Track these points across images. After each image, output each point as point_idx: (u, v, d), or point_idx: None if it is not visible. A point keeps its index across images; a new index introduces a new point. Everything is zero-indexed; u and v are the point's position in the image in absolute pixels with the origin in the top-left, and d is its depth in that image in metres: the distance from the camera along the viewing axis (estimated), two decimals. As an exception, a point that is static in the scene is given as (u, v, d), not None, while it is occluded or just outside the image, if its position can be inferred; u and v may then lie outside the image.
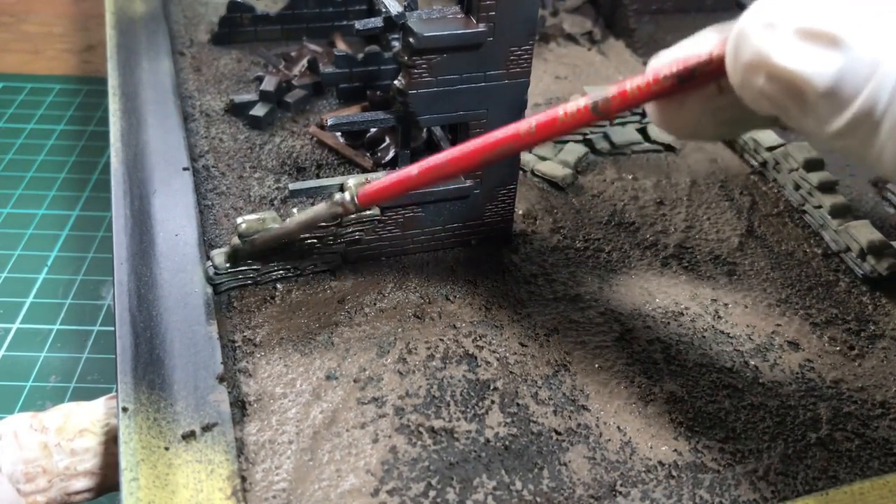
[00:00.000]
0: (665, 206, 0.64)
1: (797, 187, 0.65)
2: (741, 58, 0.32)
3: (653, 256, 0.59)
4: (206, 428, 0.44)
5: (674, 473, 0.44)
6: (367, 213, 0.54)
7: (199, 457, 0.42)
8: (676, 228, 0.62)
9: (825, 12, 0.30)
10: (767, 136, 0.69)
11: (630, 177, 0.67)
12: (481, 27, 0.50)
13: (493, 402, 0.48)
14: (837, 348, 0.53)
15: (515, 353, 0.51)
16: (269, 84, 0.71)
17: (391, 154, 0.65)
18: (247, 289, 0.54)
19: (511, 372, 0.49)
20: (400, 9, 0.52)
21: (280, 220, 0.52)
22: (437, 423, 0.46)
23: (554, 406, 0.48)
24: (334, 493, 0.42)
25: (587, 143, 0.70)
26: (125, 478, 0.41)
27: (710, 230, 0.62)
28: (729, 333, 0.53)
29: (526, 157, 0.67)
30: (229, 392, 0.46)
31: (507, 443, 0.45)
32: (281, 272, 0.54)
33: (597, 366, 0.50)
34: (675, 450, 0.46)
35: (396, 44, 0.74)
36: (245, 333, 0.51)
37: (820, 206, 0.62)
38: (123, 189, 0.59)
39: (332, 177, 0.63)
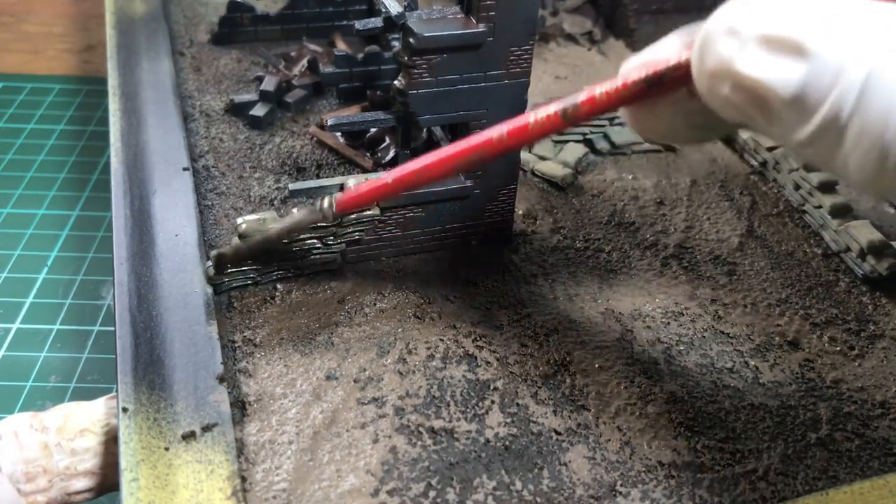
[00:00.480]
0: (665, 206, 0.64)
1: (797, 187, 0.65)
2: (705, 65, 0.31)
3: (653, 256, 0.59)
4: (206, 428, 0.44)
5: (673, 473, 0.44)
6: (368, 213, 0.54)
7: (199, 457, 0.42)
8: (676, 228, 0.62)
9: (788, 18, 0.29)
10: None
11: (630, 177, 0.67)
12: (481, 27, 0.50)
13: (493, 402, 0.48)
14: (837, 348, 0.53)
15: (515, 353, 0.51)
16: (269, 84, 0.71)
17: (391, 154, 0.65)
18: (247, 289, 0.54)
19: (511, 372, 0.49)
20: (400, 9, 0.52)
21: (280, 221, 0.52)
22: (437, 424, 0.46)
23: (554, 406, 0.48)
24: (334, 494, 0.42)
25: (587, 142, 0.70)
26: (125, 478, 0.41)
27: (710, 230, 0.62)
28: (729, 333, 0.53)
29: (526, 157, 0.67)
30: (229, 392, 0.46)
31: (507, 443, 0.45)
32: (281, 272, 0.54)
33: (597, 366, 0.50)
34: (675, 450, 0.46)
35: (396, 44, 0.74)
36: (245, 334, 0.51)
37: (820, 206, 0.62)
38: (123, 189, 0.59)
39: (332, 177, 0.64)
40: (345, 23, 0.81)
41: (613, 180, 0.67)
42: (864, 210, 0.65)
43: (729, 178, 0.68)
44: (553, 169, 0.66)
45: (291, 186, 0.54)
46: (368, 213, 0.54)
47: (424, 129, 0.65)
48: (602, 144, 0.70)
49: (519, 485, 0.43)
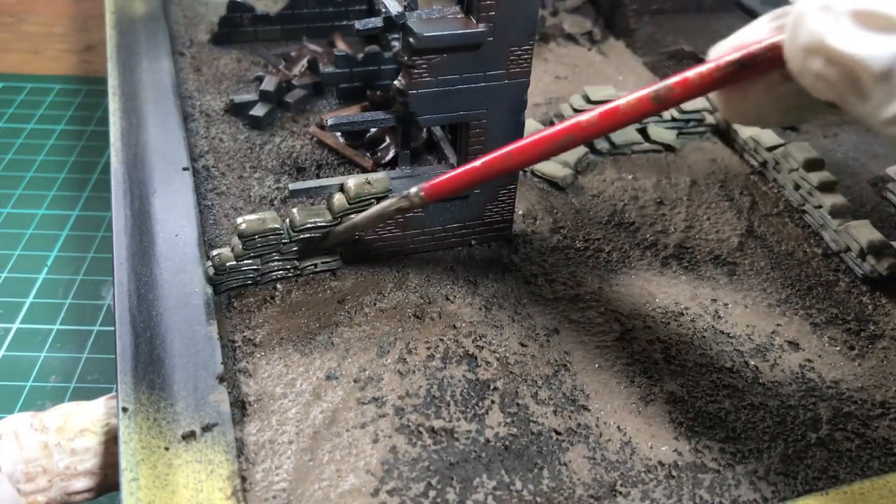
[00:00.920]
0: (665, 205, 0.64)
1: (797, 187, 0.65)
2: (798, 41, 0.31)
3: (653, 256, 0.59)
4: (206, 428, 0.44)
5: (674, 473, 0.44)
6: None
7: (199, 457, 0.42)
8: (676, 228, 0.62)
9: None
10: (767, 136, 0.69)
11: (630, 177, 0.67)
12: (481, 27, 0.50)
13: (493, 402, 0.48)
14: (837, 348, 0.53)
15: (515, 353, 0.51)
16: (268, 84, 0.71)
17: (391, 154, 0.65)
18: (247, 289, 0.54)
19: (511, 372, 0.49)
20: (400, 9, 0.52)
21: (280, 220, 0.52)
22: (437, 423, 0.46)
23: (554, 406, 0.48)
24: (334, 493, 0.42)
25: (587, 142, 0.70)
26: (125, 478, 0.41)
27: (710, 230, 0.62)
28: (729, 333, 0.53)
29: (526, 157, 0.67)
30: (229, 392, 0.46)
31: (507, 443, 0.45)
32: (281, 272, 0.54)
33: (597, 366, 0.50)
34: (676, 450, 0.46)
35: (396, 44, 0.74)
36: (245, 333, 0.51)
37: (820, 206, 0.62)
38: (123, 189, 0.59)
39: (332, 177, 0.64)
40: (345, 23, 0.81)
41: (613, 180, 0.67)
42: (864, 210, 0.65)
43: (729, 178, 0.68)
44: (553, 169, 0.66)
45: (291, 186, 0.54)
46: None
47: (424, 129, 0.65)
48: (602, 144, 0.70)
49: (519, 485, 0.43)
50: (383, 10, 0.53)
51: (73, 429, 0.48)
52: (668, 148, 0.71)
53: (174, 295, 0.51)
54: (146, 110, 0.68)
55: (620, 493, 0.43)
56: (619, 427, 0.47)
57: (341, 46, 0.79)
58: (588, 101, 0.70)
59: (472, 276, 0.56)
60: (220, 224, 0.59)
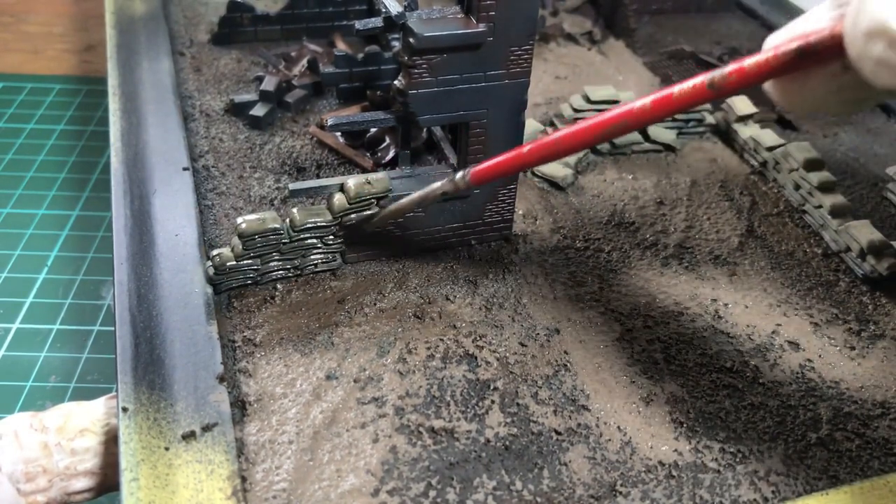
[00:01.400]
0: (665, 205, 0.64)
1: (797, 187, 0.65)
2: (860, 26, 0.31)
3: (653, 256, 0.59)
4: (207, 428, 0.44)
5: (674, 473, 0.44)
6: (367, 213, 0.54)
7: (199, 457, 0.42)
8: (676, 228, 0.62)
9: None
10: (768, 136, 0.69)
11: (630, 176, 0.67)
12: (481, 27, 0.50)
13: (493, 402, 0.48)
14: (837, 348, 0.53)
15: (515, 353, 0.51)
16: (269, 84, 0.71)
17: (391, 154, 0.65)
18: (247, 289, 0.54)
19: (511, 372, 0.49)
20: (400, 9, 0.52)
21: (280, 220, 0.52)
22: (438, 423, 0.46)
23: (554, 406, 0.48)
24: (334, 494, 0.42)
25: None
26: (125, 478, 0.41)
27: (711, 230, 0.62)
28: (729, 333, 0.53)
29: (526, 157, 0.67)
30: (229, 392, 0.46)
31: (507, 443, 0.45)
32: (281, 272, 0.54)
33: (597, 366, 0.50)
34: (676, 450, 0.46)
35: (396, 43, 0.74)
36: (245, 333, 0.51)
37: (820, 206, 0.62)
38: (123, 189, 0.59)
39: (333, 177, 0.64)
40: (345, 23, 0.81)
41: (614, 180, 0.67)
42: (864, 210, 0.65)
43: (729, 177, 0.68)
44: (553, 169, 0.66)
45: (291, 186, 0.54)
46: (368, 213, 0.54)
47: (424, 129, 0.65)
48: (602, 144, 0.70)
49: (519, 485, 0.43)
50: (383, 10, 0.53)
51: (73, 429, 0.48)
52: (669, 148, 0.71)
53: (174, 295, 0.51)
54: (146, 110, 0.68)
55: (620, 493, 0.43)
56: (619, 427, 0.47)
57: (341, 46, 0.79)
58: (588, 101, 0.70)
59: (472, 275, 0.56)
60: (220, 224, 0.59)
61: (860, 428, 0.48)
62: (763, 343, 0.53)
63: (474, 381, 0.49)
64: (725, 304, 0.56)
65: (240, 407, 0.46)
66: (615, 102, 0.70)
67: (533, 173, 0.66)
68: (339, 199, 0.53)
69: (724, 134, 0.73)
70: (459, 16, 0.51)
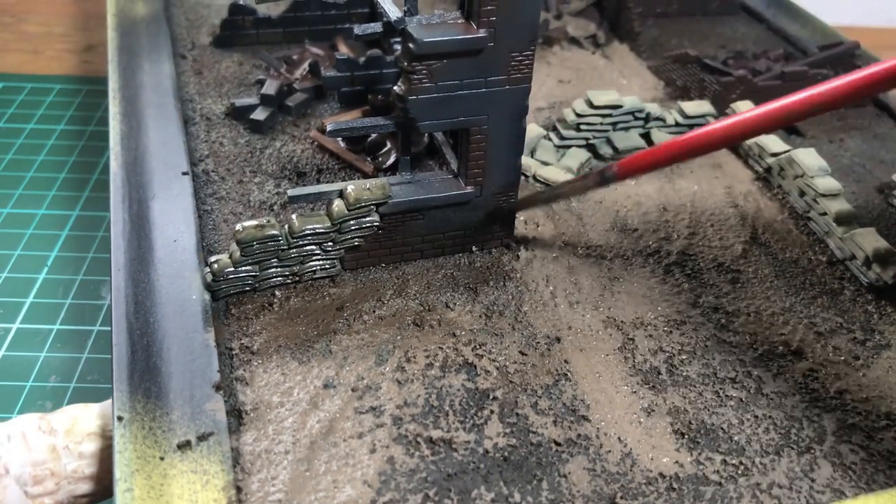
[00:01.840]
0: (668, 212, 0.64)
1: (802, 194, 0.64)
2: None
3: (655, 264, 0.59)
4: (202, 437, 0.43)
5: (675, 486, 0.44)
6: (367, 219, 0.53)
7: (194, 467, 0.42)
8: (679, 235, 0.62)
9: None
10: (772, 142, 0.68)
11: (633, 182, 0.67)
12: (482, 32, 0.49)
13: (492, 411, 0.47)
14: (842, 358, 0.52)
15: (515, 362, 0.50)
16: (270, 88, 0.70)
17: (392, 159, 0.64)
18: (245, 295, 0.53)
19: (511, 381, 0.49)
20: (399, 14, 0.51)
21: (279, 227, 0.52)
22: (436, 434, 0.45)
23: (554, 416, 0.47)
24: (331, 505, 0.42)
25: (590, 147, 0.70)
26: (119, 488, 0.40)
27: (714, 237, 0.62)
28: (732, 342, 0.53)
29: (527, 162, 0.66)
30: (226, 401, 0.46)
31: (506, 454, 0.45)
32: (279, 279, 0.53)
33: (598, 375, 0.50)
34: (677, 461, 0.45)
35: (398, 47, 0.73)
36: (242, 341, 0.50)
37: (825, 213, 0.61)
38: (122, 193, 0.59)
39: (333, 182, 0.63)
40: (347, 26, 0.81)
41: (616, 186, 0.66)
42: (869, 217, 0.65)
43: (733, 184, 0.68)
44: (555, 174, 0.65)
45: (290, 193, 0.54)
46: (368, 219, 0.53)
47: (426, 134, 0.64)
48: (605, 150, 0.69)
49: (518, 497, 0.43)
50: (383, 15, 0.52)
51: (81, 432, 0.48)
52: (672, 153, 0.70)
53: (172, 301, 0.51)
54: (146, 114, 0.67)
55: (621, 506, 0.43)
56: (619, 438, 0.46)
57: (343, 50, 0.78)
58: (591, 106, 0.69)
59: (472, 283, 0.56)
60: (219, 229, 0.58)
61: (865, 440, 0.47)
62: (766, 353, 0.52)
63: (473, 391, 0.48)
64: (728, 313, 0.55)
65: (236, 416, 0.46)
66: (618, 107, 0.69)
67: (535, 178, 0.66)
68: (338, 205, 0.53)
69: (729, 139, 0.72)
70: (460, 21, 0.51)
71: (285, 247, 0.52)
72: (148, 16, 0.81)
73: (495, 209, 0.57)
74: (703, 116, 0.72)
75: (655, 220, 0.63)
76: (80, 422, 0.48)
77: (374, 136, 0.66)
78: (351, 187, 0.53)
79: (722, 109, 0.73)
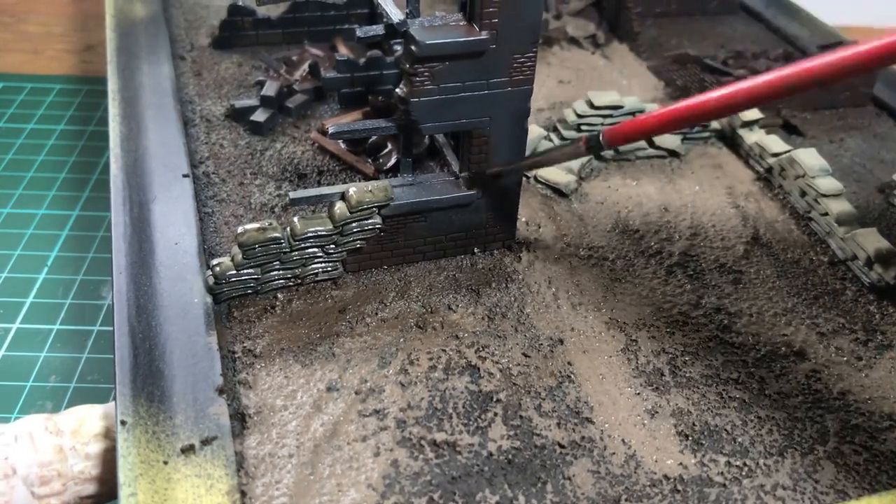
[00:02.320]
0: (670, 213, 0.64)
1: (803, 194, 0.64)
2: None
3: (657, 265, 0.59)
4: (206, 441, 0.43)
5: (679, 487, 0.44)
6: (369, 221, 0.53)
7: (198, 471, 0.42)
8: (681, 236, 0.62)
9: None
10: (773, 142, 0.68)
11: (634, 183, 0.67)
12: (484, 34, 0.49)
13: (495, 414, 0.47)
14: (844, 358, 0.52)
15: (519, 364, 0.50)
16: (270, 89, 0.70)
17: (393, 160, 0.64)
18: (247, 298, 0.53)
19: (514, 383, 0.49)
20: (401, 16, 0.51)
21: (280, 229, 0.52)
22: (440, 436, 0.45)
23: (558, 418, 0.47)
24: (335, 509, 0.42)
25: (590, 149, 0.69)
26: (123, 493, 0.40)
27: (716, 238, 0.62)
28: (734, 344, 0.53)
29: (529, 163, 0.66)
30: (229, 404, 0.46)
31: (510, 456, 0.45)
32: (282, 281, 0.53)
33: (601, 377, 0.50)
34: (681, 463, 0.45)
35: (398, 48, 0.73)
36: (245, 344, 0.50)
37: (826, 214, 0.61)
38: (123, 196, 0.59)
39: (334, 184, 0.63)
40: (347, 27, 0.80)
41: (618, 187, 0.66)
42: (871, 217, 0.65)
43: (734, 184, 0.68)
44: (556, 175, 0.65)
45: (292, 195, 0.53)
46: (370, 221, 0.53)
47: (427, 136, 0.64)
48: (607, 151, 0.69)
49: (522, 499, 0.43)
50: (385, 16, 0.52)
51: (88, 433, 0.48)
52: (673, 154, 0.70)
53: (173, 305, 0.51)
54: (146, 115, 0.67)
55: (625, 508, 0.43)
56: (623, 440, 0.46)
57: (343, 51, 0.78)
58: (592, 106, 0.69)
59: (474, 284, 0.56)
60: (220, 232, 0.58)
61: (868, 441, 0.47)
62: (769, 354, 0.52)
63: (477, 393, 0.48)
64: (731, 314, 0.55)
65: (239, 420, 0.45)
66: (619, 108, 0.69)
67: (536, 179, 0.66)
68: (340, 207, 0.53)
69: (730, 139, 0.72)
70: (462, 23, 0.50)
71: (287, 249, 0.52)
72: (146, 17, 0.81)
73: (497, 210, 0.57)
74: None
75: (657, 221, 0.63)
76: (87, 423, 0.48)
77: (374, 137, 0.66)
78: (353, 189, 0.52)
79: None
